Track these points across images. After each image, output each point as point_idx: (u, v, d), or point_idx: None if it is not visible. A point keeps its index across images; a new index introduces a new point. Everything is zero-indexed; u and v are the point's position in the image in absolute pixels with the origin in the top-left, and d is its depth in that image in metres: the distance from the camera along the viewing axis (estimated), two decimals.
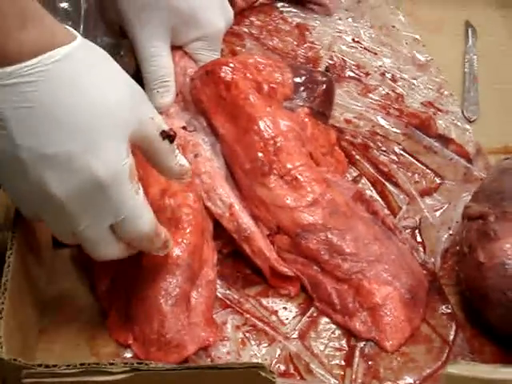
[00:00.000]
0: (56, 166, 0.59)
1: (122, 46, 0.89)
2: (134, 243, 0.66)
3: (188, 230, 0.73)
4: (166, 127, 0.65)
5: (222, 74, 0.80)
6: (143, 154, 0.65)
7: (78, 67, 0.59)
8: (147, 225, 0.64)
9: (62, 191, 0.60)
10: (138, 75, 0.84)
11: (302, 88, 0.85)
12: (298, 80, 0.85)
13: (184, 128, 0.81)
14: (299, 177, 0.77)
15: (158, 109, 0.80)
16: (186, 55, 0.85)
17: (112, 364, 0.58)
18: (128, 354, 0.70)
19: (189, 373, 0.58)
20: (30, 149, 0.58)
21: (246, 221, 0.77)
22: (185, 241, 0.72)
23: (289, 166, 0.77)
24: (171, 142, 0.65)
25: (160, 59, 0.82)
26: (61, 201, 0.60)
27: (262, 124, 0.78)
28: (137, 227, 0.64)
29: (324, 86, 0.87)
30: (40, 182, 0.59)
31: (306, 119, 0.83)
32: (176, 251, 0.71)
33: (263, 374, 0.57)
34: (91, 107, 0.59)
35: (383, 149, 0.88)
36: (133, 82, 0.64)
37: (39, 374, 0.57)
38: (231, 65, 0.81)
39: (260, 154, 0.77)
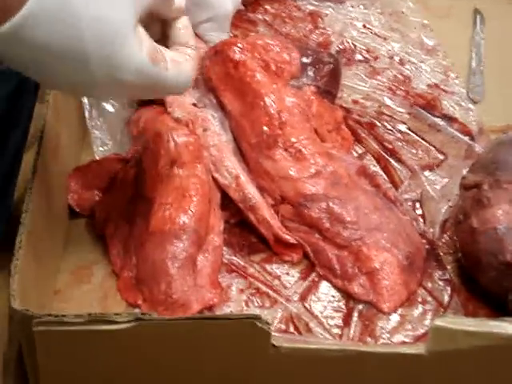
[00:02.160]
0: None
1: None
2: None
3: (195, 199, 0.77)
4: None
5: (231, 53, 0.84)
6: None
7: None
8: (188, 82, 0.67)
9: (82, 86, 0.62)
10: None
11: (309, 67, 0.88)
12: (305, 60, 0.89)
13: (194, 105, 0.85)
14: (303, 149, 0.80)
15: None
16: (197, 36, 0.89)
17: (117, 314, 0.61)
18: None
19: (189, 323, 0.61)
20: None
21: (251, 191, 0.80)
22: (192, 208, 0.76)
23: (293, 139, 0.80)
24: None
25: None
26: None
27: (267, 100, 0.81)
28: (179, 89, 0.68)
29: (331, 66, 0.90)
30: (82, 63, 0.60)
31: (312, 97, 0.87)
32: (183, 218, 0.75)
33: (259, 325, 0.60)
34: (95, 16, 0.58)
35: (389, 127, 0.91)
36: None
37: (49, 323, 0.61)
38: (239, 45, 0.84)
39: (265, 128, 0.81)
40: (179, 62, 0.66)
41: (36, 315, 0.61)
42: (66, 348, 0.62)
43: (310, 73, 0.87)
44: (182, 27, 0.69)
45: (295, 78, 0.87)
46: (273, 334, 0.61)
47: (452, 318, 0.62)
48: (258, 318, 0.61)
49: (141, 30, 0.62)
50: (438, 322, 0.61)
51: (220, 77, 0.84)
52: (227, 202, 0.81)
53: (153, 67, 0.62)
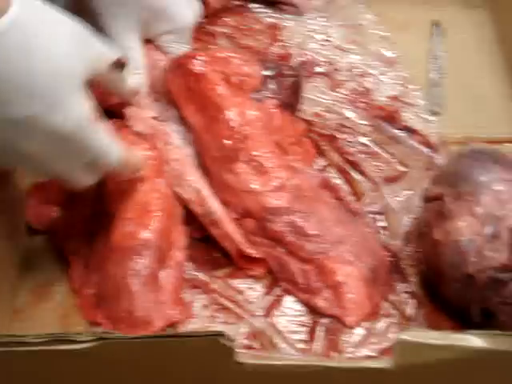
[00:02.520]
0: (23, 128, 0.63)
1: None
2: (108, 172, 0.71)
3: (157, 214, 0.76)
4: (114, 57, 0.69)
5: (192, 67, 0.83)
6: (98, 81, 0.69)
7: (23, 32, 0.61)
8: (116, 158, 0.69)
9: (33, 148, 0.64)
10: None
11: (271, 80, 0.88)
12: (266, 73, 0.88)
13: (155, 118, 0.84)
14: (265, 163, 0.80)
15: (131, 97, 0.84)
16: (157, 48, 0.88)
17: (79, 334, 0.60)
18: None
19: (151, 341, 0.60)
20: None
21: (213, 205, 0.79)
22: (153, 224, 0.75)
23: (255, 152, 0.80)
24: (121, 69, 0.70)
25: (131, 51, 0.85)
26: (32, 155, 0.65)
27: (228, 113, 0.81)
28: (107, 162, 0.69)
29: (292, 79, 0.89)
30: (10, 142, 0.63)
31: (274, 110, 0.86)
32: (145, 234, 0.74)
33: (222, 342, 0.60)
34: (42, 68, 0.62)
35: (350, 140, 0.91)
36: (76, 24, 0.67)
37: (8, 344, 0.59)
38: (200, 58, 0.84)
39: (227, 142, 0.80)
40: (111, 137, 0.69)
41: None
42: (26, 369, 0.61)
43: (272, 86, 0.87)
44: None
45: (257, 90, 0.86)
46: (237, 350, 0.61)
47: (416, 332, 0.61)
48: (220, 334, 0.60)
49: (85, 92, 0.66)
50: (403, 336, 0.60)
51: (181, 90, 0.83)
52: (190, 217, 0.80)
53: (90, 126, 0.66)
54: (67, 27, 0.66)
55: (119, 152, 0.70)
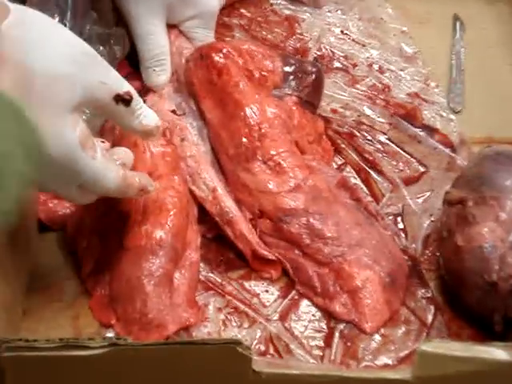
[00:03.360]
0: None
1: (112, 35, 0.90)
2: (108, 195, 0.68)
3: (172, 212, 0.74)
4: (119, 90, 0.64)
5: (216, 59, 0.81)
6: (101, 113, 0.66)
7: (12, 47, 0.59)
8: (112, 183, 0.66)
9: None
10: (132, 54, 0.85)
11: (292, 77, 0.86)
12: (287, 69, 0.86)
13: (173, 112, 0.82)
14: (282, 162, 0.78)
15: (154, 87, 0.82)
16: (182, 34, 0.87)
17: (91, 339, 0.58)
18: (110, 334, 0.71)
19: (166, 348, 0.59)
20: None
21: (228, 204, 0.78)
22: (169, 223, 0.73)
23: (272, 152, 0.78)
24: (127, 104, 0.64)
25: (156, 37, 0.83)
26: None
27: (248, 110, 0.79)
28: (102, 187, 0.65)
29: (313, 76, 0.87)
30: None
31: (294, 108, 0.84)
32: (160, 233, 0.73)
33: (239, 350, 0.58)
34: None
35: (369, 138, 0.89)
36: (84, 48, 0.63)
37: (19, 348, 0.58)
38: (225, 50, 0.82)
39: (244, 140, 0.78)
40: (107, 161, 0.65)
41: (5, 339, 0.58)
42: (36, 374, 0.60)
43: (293, 83, 0.85)
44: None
45: (277, 87, 0.84)
46: (254, 358, 0.59)
47: (438, 343, 0.60)
48: (238, 342, 0.58)
49: (78, 116, 0.62)
50: (424, 347, 0.59)
51: (202, 83, 0.82)
52: (204, 216, 0.79)
53: (80, 151, 0.62)
54: (71, 48, 0.62)
55: (116, 178, 0.66)
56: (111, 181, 0.66)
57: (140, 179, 0.69)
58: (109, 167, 0.65)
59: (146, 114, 0.67)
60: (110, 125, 0.82)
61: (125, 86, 0.65)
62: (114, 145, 0.81)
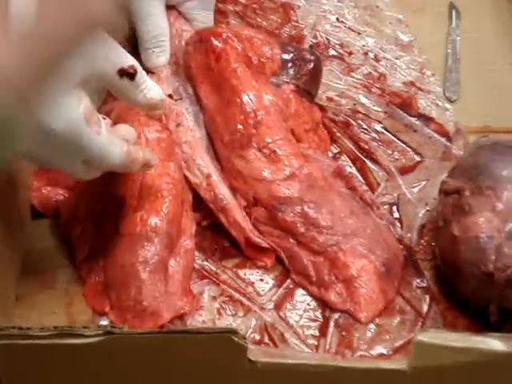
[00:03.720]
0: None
1: None
2: (112, 170, 0.68)
3: (167, 199, 0.74)
4: (124, 64, 0.64)
5: (215, 43, 0.80)
6: (107, 88, 0.66)
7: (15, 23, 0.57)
8: (117, 158, 0.65)
9: (27, 145, 0.61)
10: (132, 35, 0.84)
11: (290, 65, 0.85)
12: (286, 57, 0.85)
13: (170, 96, 0.81)
14: (277, 150, 0.77)
15: (153, 69, 0.81)
16: (181, 16, 0.86)
17: (85, 327, 0.58)
18: (104, 322, 0.71)
19: (161, 337, 0.58)
20: None
21: (223, 191, 0.77)
22: (164, 209, 0.73)
23: (268, 139, 0.78)
24: (131, 78, 0.64)
25: (156, 18, 0.82)
26: (28, 153, 0.62)
27: (244, 97, 0.78)
28: (108, 162, 0.65)
29: (312, 65, 0.86)
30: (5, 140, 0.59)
31: (291, 95, 0.83)
32: (155, 220, 0.72)
33: (235, 339, 0.58)
34: None
35: (364, 127, 0.89)
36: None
37: (13, 336, 0.57)
38: (225, 35, 0.81)
39: (240, 126, 0.78)
40: (112, 136, 0.65)
41: None
42: (31, 362, 0.59)
43: (291, 70, 0.84)
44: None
45: (275, 74, 0.83)
46: (249, 347, 0.59)
47: (434, 333, 0.59)
48: (234, 331, 0.58)
49: (83, 92, 0.62)
50: (421, 337, 0.58)
51: (200, 67, 0.81)
52: (199, 203, 0.78)
53: (85, 126, 0.62)
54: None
55: (121, 153, 0.66)
56: (116, 156, 0.65)
57: (144, 153, 0.69)
58: (114, 142, 0.65)
59: (150, 88, 0.67)
60: (106, 109, 0.81)
61: (129, 60, 0.65)
62: None
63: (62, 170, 0.67)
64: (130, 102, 0.68)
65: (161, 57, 0.83)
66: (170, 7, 0.85)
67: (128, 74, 0.64)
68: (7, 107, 0.56)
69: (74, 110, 0.61)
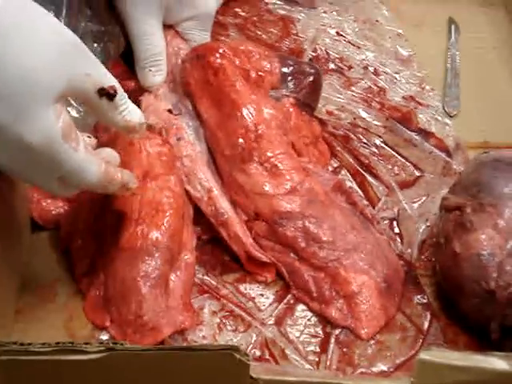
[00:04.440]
0: None
1: (107, 33, 0.89)
2: (90, 189, 0.66)
3: (168, 213, 0.73)
4: (104, 84, 0.62)
5: (212, 59, 0.80)
6: (85, 105, 0.64)
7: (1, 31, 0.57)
8: (94, 177, 0.64)
9: (3, 160, 0.60)
10: (128, 54, 0.84)
11: (289, 78, 0.85)
12: (285, 70, 0.85)
13: (169, 111, 0.81)
14: (279, 164, 0.77)
15: (150, 87, 0.81)
16: (178, 35, 0.86)
17: (87, 343, 0.58)
18: (104, 337, 0.70)
19: (163, 354, 0.58)
20: None
21: (223, 205, 0.77)
22: (165, 224, 0.73)
23: (269, 153, 0.77)
24: (110, 99, 0.63)
25: (153, 37, 0.82)
26: (3, 166, 0.61)
27: (244, 111, 0.78)
28: (83, 180, 0.64)
29: (311, 78, 0.86)
30: None
31: (291, 109, 0.83)
32: (156, 234, 0.72)
33: (237, 357, 0.57)
34: (12, 72, 0.57)
35: (364, 141, 0.89)
36: (70, 37, 0.61)
37: (13, 352, 0.57)
38: (221, 50, 0.81)
39: (241, 141, 0.77)
40: (90, 154, 0.64)
41: (0, 343, 0.57)
42: (32, 378, 0.59)
43: (290, 84, 0.84)
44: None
45: (275, 88, 0.83)
46: (251, 364, 0.58)
47: (437, 352, 0.59)
48: (236, 349, 0.57)
49: (62, 107, 0.61)
50: (423, 356, 0.58)
51: (198, 83, 0.81)
52: (199, 217, 0.78)
53: (62, 142, 0.61)
54: (58, 37, 0.60)
55: (98, 172, 0.64)
56: (93, 174, 0.64)
57: (122, 175, 0.67)
58: (91, 160, 0.64)
59: (130, 110, 0.66)
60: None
61: (110, 81, 0.63)
62: (108, 143, 0.80)
63: (38, 186, 0.66)
64: (107, 123, 0.66)
65: (157, 76, 0.83)
66: (167, 26, 0.85)
67: (108, 94, 0.63)
68: None
69: (51, 125, 0.60)
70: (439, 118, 0.92)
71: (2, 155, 0.60)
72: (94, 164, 0.64)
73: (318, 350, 0.71)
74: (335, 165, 0.86)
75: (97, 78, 0.62)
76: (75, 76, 0.61)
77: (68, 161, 0.62)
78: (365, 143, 0.88)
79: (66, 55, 0.60)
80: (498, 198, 0.71)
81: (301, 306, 0.74)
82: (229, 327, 0.72)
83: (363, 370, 0.70)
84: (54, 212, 0.77)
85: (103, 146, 0.77)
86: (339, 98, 0.93)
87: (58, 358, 0.57)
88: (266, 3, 1.04)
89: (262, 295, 0.75)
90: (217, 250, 0.78)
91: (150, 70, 0.82)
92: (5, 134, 0.58)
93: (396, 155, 0.88)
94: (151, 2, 0.81)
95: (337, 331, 0.72)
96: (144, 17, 0.81)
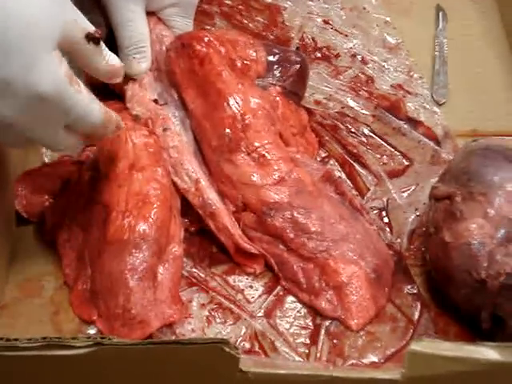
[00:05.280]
0: None
1: (90, 22, 0.87)
2: (90, 134, 0.68)
3: (155, 205, 0.72)
4: (90, 29, 0.64)
5: (198, 48, 0.79)
6: (71, 57, 0.65)
7: None
8: (98, 117, 0.66)
9: (10, 113, 0.60)
10: (110, 42, 0.83)
11: (276, 66, 0.84)
12: (271, 58, 0.84)
13: (155, 101, 0.80)
14: (266, 155, 0.76)
15: (134, 75, 0.80)
16: (161, 22, 0.84)
17: (75, 338, 0.57)
18: (91, 331, 0.70)
19: (152, 348, 0.57)
20: None
21: (211, 196, 0.76)
22: (152, 216, 0.72)
23: (256, 143, 0.77)
24: (96, 43, 0.65)
25: (136, 24, 0.81)
26: (11, 120, 0.61)
27: (231, 100, 0.77)
28: (89, 122, 0.66)
29: (298, 66, 0.85)
30: None
31: (278, 98, 0.82)
32: (143, 226, 0.71)
33: (227, 350, 0.57)
34: (14, 23, 0.58)
35: (352, 130, 0.88)
36: None
37: (0, 348, 0.56)
38: (206, 39, 0.80)
39: (228, 131, 0.77)
40: (91, 94, 0.66)
41: None
42: (19, 374, 0.58)
43: (276, 72, 0.83)
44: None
45: (261, 77, 0.82)
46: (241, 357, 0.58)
47: (429, 342, 0.59)
48: (225, 342, 0.57)
49: (59, 52, 0.62)
50: (414, 347, 0.58)
51: (184, 72, 0.79)
52: (187, 209, 0.77)
53: (69, 85, 0.62)
54: None
55: (101, 110, 0.66)
56: (97, 113, 0.66)
57: (115, 114, 0.70)
58: (94, 99, 0.66)
59: (109, 55, 0.68)
60: None
61: (92, 27, 0.65)
62: None
63: (40, 142, 0.66)
64: (92, 69, 0.67)
65: (142, 63, 0.82)
66: (149, 13, 0.84)
67: (94, 39, 0.64)
68: None
69: (57, 70, 0.61)
70: (428, 107, 0.91)
71: (9, 112, 0.60)
72: (97, 103, 0.66)
73: (308, 341, 0.70)
74: (323, 154, 0.86)
75: (83, 23, 0.64)
76: (66, 22, 0.62)
77: (76, 103, 0.63)
78: (353, 132, 0.88)
79: (55, 1, 0.61)
80: (488, 187, 0.70)
81: (290, 298, 0.73)
82: (218, 320, 0.71)
83: (354, 361, 0.69)
84: (38, 205, 0.76)
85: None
86: (327, 86, 0.92)
87: (45, 353, 0.57)
88: None
89: (251, 287, 0.74)
90: (205, 241, 0.77)
91: (135, 58, 0.81)
92: (15, 88, 0.59)
93: (385, 144, 0.87)
94: None
95: (327, 322, 0.72)
96: (127, 3, 0.80)
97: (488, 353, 0.58)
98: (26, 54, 0.59)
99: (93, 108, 0.65)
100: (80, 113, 0.64)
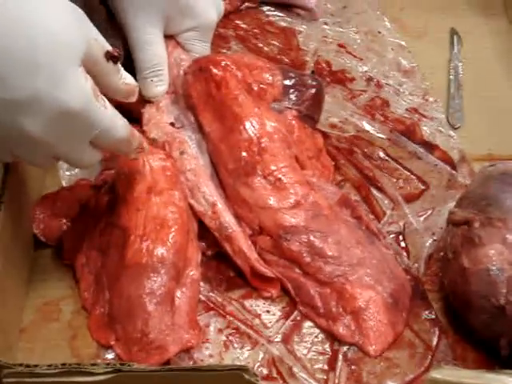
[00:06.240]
0: (26, 109, 0.59)
1: None
2: (114, 150, 0.69)
3: (173, 229, 0.73)
4: (109, 48, 0.65)
5: (215, 72, 0.79)
6: (90, 75, 0.65)
7: (20, 5, 0.59)
8: (123, 131, 0.67)
9: (37, 129, 0.61)
10: (129, 64, 0.83)
11: (292, 90, 0.84)
12: (287, 82, 0.84)
13: (172, 124, 0.81)
14: (283, 178, 0.76)
15: (151, 98, 0.81)
16: (179, 45, 0.85)
17: (94, 364, 0.57)
18: (109, 356, 0.69)
19: (171, 374, 0.57)
20: None
21: (228, 220, 0.76)
22: (170, 239, 0.72)
23: (272, 167, 0.77)
24: (115, 62, 0.66)
25: (154, 47, 0.82)
26: (38, 137, 0.62)
27: (247, 124, 0.78)
28: (114, 136, 0.66)
29: (313, 90, 0.86)
30: (14, 126, 0.60)
31: (294, 122, 0.83)
32: (161, 250, 0.71)
33: (247, 377, 0.57)
34: (43, 40, 0.59)
35: (368, 154, 0.88)
36: (71, 4, 0.64)
37: (20, 374, 0.56)
38: (224, 63, 0.80)
39: (244, 154, 0.77)
40: (115, 110, 0.67)
41: (5, 365, 0.57)
42: None
43: (292, 96, 0.84)
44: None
45: (277, 100, 0.83)
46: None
47: (449, 370, 0.59)
48: (245, 369, 0.57)
49: (84, 69, 0.63)
50: (435, 374, 0.58)
51: (201, 95, 0.80)
52: (204, 232, 0.77)
53: (95, 100, 0.63)
54: (66, 4, 0.63)
55: (125, 125, 0.67)
56: (122, 129, 0.67)
57: (138, 133, 0.71)
58: (117, 115, 0.67)
59: (126, 74, 0.69)
60: None
61: (109, 46, 0.66)
62: (110, 158, 0.79)
63: (63, 158, 0.66)
64: (110, 87, 0.67)
65: (159, 86, 0.82)
66: (168, 37, 0.84)
67: (113, 57, 0.65)
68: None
69: (83, 85, 0.62)
70: (443, 130, 0.91)
71: (37, 128, 0.61)
72: (120, 118, 0.67)
73: (325, 367, 0.70)
74: (339, 178, 0.86)
75: (102, 42, 0.65)
76: (89, 39, 0.63)
77: (102, 118, 0.64)
78: (369, 156, 0.88)
79: (78, 20, 0.63)
80: (507, 213, 0.70)
81: (308, 323, 0.73)
82: (235, 345, 0.71)
83: None
84: (57, 229, 0.76)
85: (107, 161, 0.77)
86: (342, 110, 0.92)
87: (64, 379, 0.57)
88: (267, 15, 1.03)
89: (268, 312, 0.74)
90: (222, 265, 0.77)
91: (152, 81, 0.82)
92: (43, 103, 0.60)
93: (400, 168, 0.87)
94: (152, 12, 0.80)
95: (344, 348, 0.71)
96: (145, 27, 0.81)
97: (509, 381, 0.58)
98: (55, 70, 0.60)
99: (117, 123, 0.66)
100: (106, 127, 0.65)
